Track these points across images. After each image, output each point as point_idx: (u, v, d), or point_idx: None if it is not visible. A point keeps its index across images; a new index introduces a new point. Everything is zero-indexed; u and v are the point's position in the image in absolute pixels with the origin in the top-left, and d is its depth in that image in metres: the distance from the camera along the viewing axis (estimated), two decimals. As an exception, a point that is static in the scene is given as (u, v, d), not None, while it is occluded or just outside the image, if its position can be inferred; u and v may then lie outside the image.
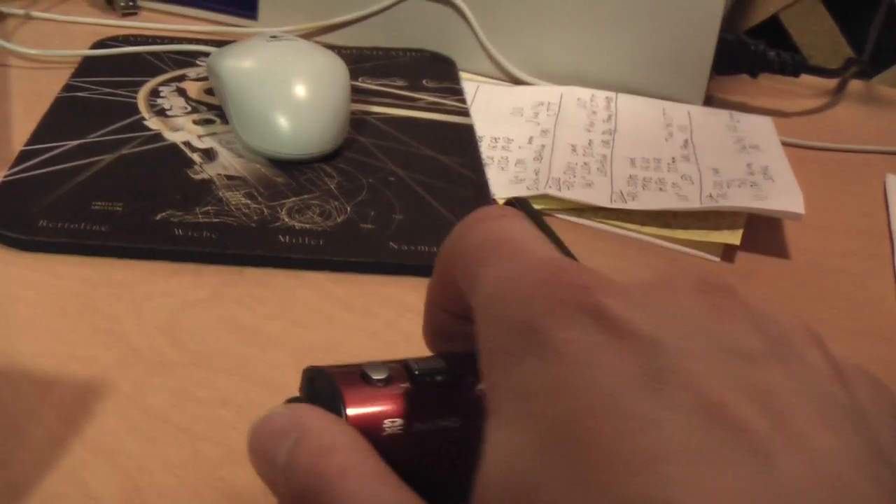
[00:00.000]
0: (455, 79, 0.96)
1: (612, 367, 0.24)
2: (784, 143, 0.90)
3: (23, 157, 0.73)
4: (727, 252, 0.75)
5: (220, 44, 0.89)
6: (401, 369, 0.33)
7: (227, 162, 0.75)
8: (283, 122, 0.75)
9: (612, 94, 0.96)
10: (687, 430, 0.23)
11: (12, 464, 0.49)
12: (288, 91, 0.76)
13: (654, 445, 0.23)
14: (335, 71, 0.80)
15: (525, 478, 0.23)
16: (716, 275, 0.29)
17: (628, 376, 0.24)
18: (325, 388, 0.32)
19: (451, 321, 0.34)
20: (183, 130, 0.79)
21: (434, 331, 0.36)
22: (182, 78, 0.89)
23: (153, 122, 0.80)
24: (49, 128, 0.78)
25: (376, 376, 0.32)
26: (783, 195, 0.78)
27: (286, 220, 0.68)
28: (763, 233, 0.78)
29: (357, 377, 0.32)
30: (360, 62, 0.95)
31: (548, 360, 0.24)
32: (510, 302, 0.27)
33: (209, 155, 0.76)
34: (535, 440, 0.24)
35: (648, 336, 0.25)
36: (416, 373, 0.33)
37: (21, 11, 0.99)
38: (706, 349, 0.25)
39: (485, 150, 0.83)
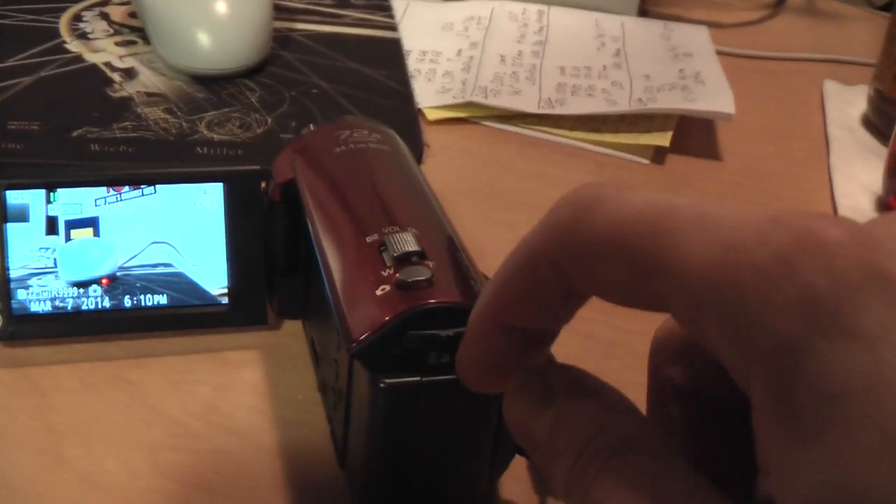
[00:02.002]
0: (385, -4, 0.94)
1: None
2: (721, 53, 0.89)
3: (-60, 81, 0.72)
4: (657, 155, 0.75)
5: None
6: None
7: (148, 80, 0.74)
8: (202, 37, 0.73)
9: (544, 7, 0.95)
10: None
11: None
12: (208, 6, 0.74)
13: None
14: (257, -14, 0.79)
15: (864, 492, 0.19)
16: None
17: None
18: None
19: (511, 347, 0.28)
20: (104, 52, 0.78)
21: (490, 363, 0.29)
22: (105, 3, 0.87)
23: (74, 45, 0.79)
24: (-33, 54, 0.76)
25: None
26: (714, 97, 0.78)
27: (205, 132, 0.67)
28: (695, 136, 0.77)
29: None
30: (289, -17, 0.94)
31: (859, 346, 0.20)
32: (773, 276, 0.21)
33: (129, 74, 0.75)
34: (873, 445, 0.19)
35: None
36: None
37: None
38: None
39: (413, 63, 0.82)
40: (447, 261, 0.39)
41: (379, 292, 0.38)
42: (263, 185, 0.51)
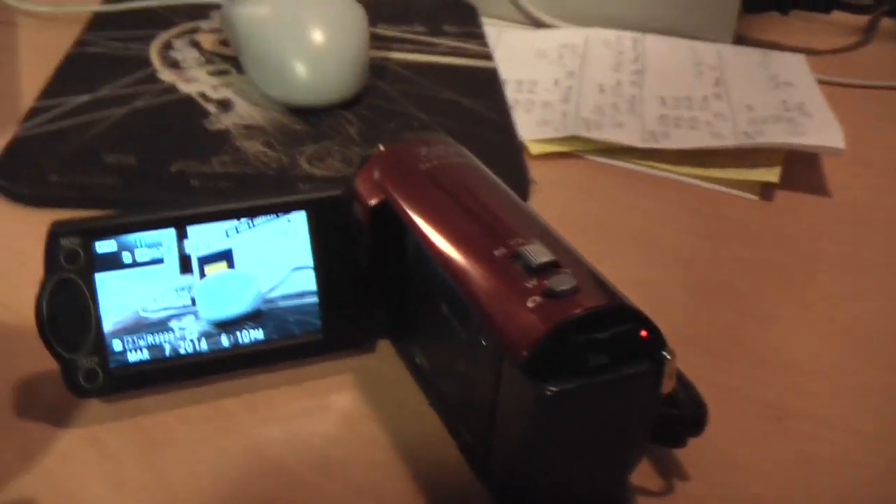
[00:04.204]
0: (476, 23, 0.93)
1: None
2: (819, 81, 0.86)
3: (33, 112, 0.71)
4: (765, 191, 0.72)
5: (232, -6, 0.86)
6: None
7: (244, 111, 0.73)
8: (300, 68, 0.72)
9: (638, 35, 0.93)
10: None
11: (30, 422, 0.47)
12: (305, 37, 0.73)
13: None
14: (352, 15, 0.77)
15: None
16: None
17: None
18: None
19: None
20: (197, 82, 0.77)
21: None
22: (195, 30, 0.86)
23: (166, 75, 0.78)
24: (59, 83, 0.75)
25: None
26: (822, 131, 0.75)
27: (306, 167, 0.66)
28: (800, 171, 0.75)
29: None
30: (378, 9, 0.92)
31: None
32: None
33: (225, 105, 0.73)
34: None
35: None
36: None
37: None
38: None
39: (510, 93, 0.80)
40: (579, 267, 0.41)
41: (530, 304, 0.39)
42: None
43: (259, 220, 0.49)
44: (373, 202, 0.49)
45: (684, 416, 0.45)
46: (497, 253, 0.42)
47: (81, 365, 0.47)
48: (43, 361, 0.47)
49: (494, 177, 0.49)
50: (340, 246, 0.50)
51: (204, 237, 0.48)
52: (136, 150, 0.67)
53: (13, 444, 0.46)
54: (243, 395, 0.49)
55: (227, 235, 0.48)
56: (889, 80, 0.93)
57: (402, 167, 0.49)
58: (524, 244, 0.41)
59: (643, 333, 0.39)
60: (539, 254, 0.40)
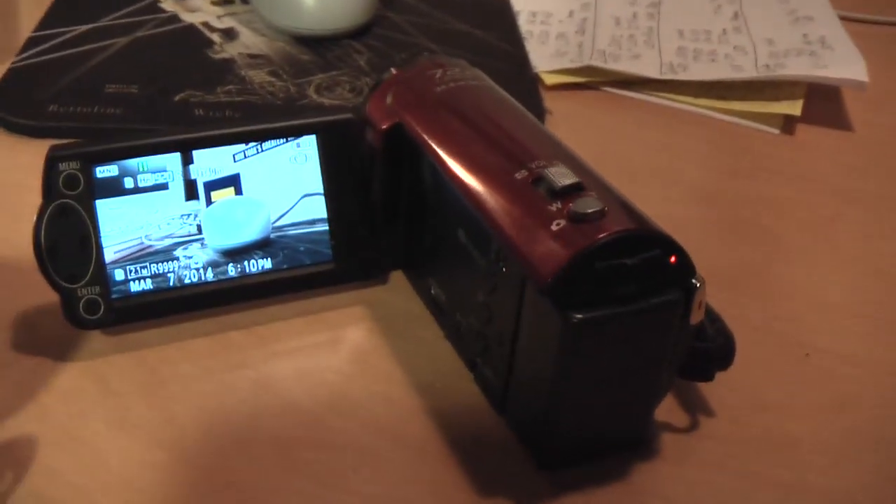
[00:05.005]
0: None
1: None
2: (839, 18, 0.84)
3: (31, 43, 0.69)
4: (787, 124, 0.70)
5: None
6: None
7: (250, 41, 0.70)
8: (307, -4, 0.69)
9: (654, -33, 0.90)
10: None
11: (28, 356, 0.45)
12: (311, -37, 0.70)
13: None
14: (361, -57, 0.74)
15: None
16: None
17: None
18: None
19: None
20: (200, 11, 0.74)
21: None
22: (198, -40, 0.84)
23: (169, 4, 0.75)
24: (58, 13, 0.73)
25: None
26: (845, 63, 0.72)
27: (314, 97, 0.63)
28: (821, 106, 0.73)
29: None
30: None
31: None
32: None
33: (229, 34, 0.71)
34: None
35: None
36: None
37: None
38: None
39: (523, 24, 0.78)
40: (604, 191, 0.39)
41: (554, 227, 0.37)
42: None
43: (268, 144, 0.46)
44: (385, 126, 0.46)
45: (712, 348, 0.43)
46: (518, 176, 0.40)
47: (82, 295, 0.45)
48: (42, 294, 0.45)
49: (513, 100, 0.47)
50: (352, 172, 0.48)
51: (210, 162, 0.46)
52: (138, 79, 0.64)
53: (10, 380, 0.44)
54: (251, 328, 0.47)
55: (235, 160, 0.46)
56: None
57: (416, 90, 0.47)
58: (546, 167, 0.39)
59: (672, 260, 0.37)
60: (562, 176, 0.38)
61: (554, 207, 0.38)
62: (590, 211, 0.37)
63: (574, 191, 0.38)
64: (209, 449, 0.41)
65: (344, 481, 0.40)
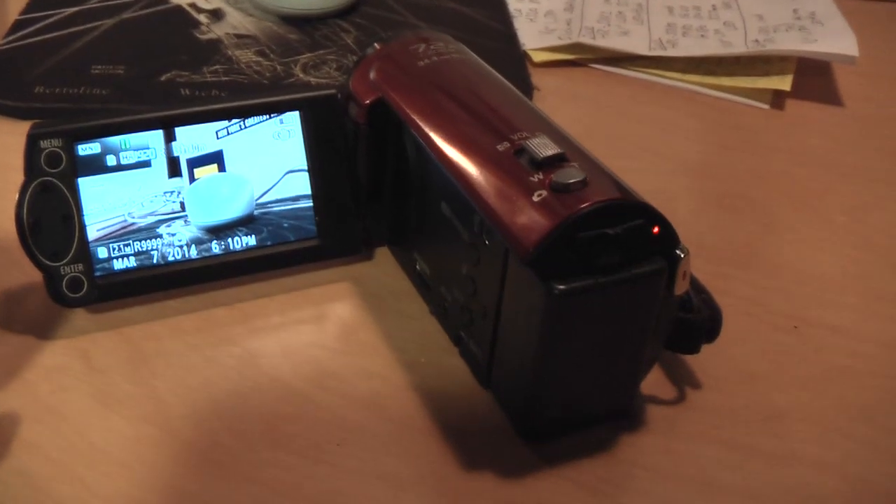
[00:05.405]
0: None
1: None
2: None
3: (18, 25, 0.68)
4: (776, 99, 0.70)
5: None
6: None
7: (237, 21, 0.70)
8: (293, -25, 0.69)
9: (644, -55, 0.90)
10: None
11: (12, 334, 0.45)
12: (298, -57, 0.70)
13: None
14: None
15: None
16: None
17: None
18: None
19: None
20: (187, -8, 0.74)
21: None
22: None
23: (155, -14, 0.75)
24: (45, -5, 0.73)
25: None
26: (835, 38, 0.72)
27: (301, 75, 0.63)
28: (811, 81, 0.72)
29: None
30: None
31: None
32: None
33: (216, 15, 0.71)
34: None
35: None
36: None
37: None
38: None
39: (512, 2, 0.77)
40: (586, 161, 0.39)
41: (536, 198, 0.37)
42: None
43: (251, 120, 0.46)
44: (368, 101, 0.46)
45: (698, 320, 0.43)
46: (500, 147, 0.39)
47: (65, 273, 0.44)
48: (26, 272, 0.45)
49: (496, 74, 0.47)
50: (336, 148, 0.48)
51: (193, 139, 0.46)
52: (125, 60, 0.64)
53: (-6, 358, 0.44)
54: (235, 305, 0.47)
55: (218, 137, 0.46)
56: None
57: (399, 64, 0.47)
58: (528, 138, 0.39)
59: (655, 230, 0.37)
60: (544, 147, 0.38)
61: (536, 178, 0.37)
62: (571, 181, 0.37)
63: (556, 161, 0.38)
64: (193, 424, 0.41)
65: (329, 455, 0.40)
